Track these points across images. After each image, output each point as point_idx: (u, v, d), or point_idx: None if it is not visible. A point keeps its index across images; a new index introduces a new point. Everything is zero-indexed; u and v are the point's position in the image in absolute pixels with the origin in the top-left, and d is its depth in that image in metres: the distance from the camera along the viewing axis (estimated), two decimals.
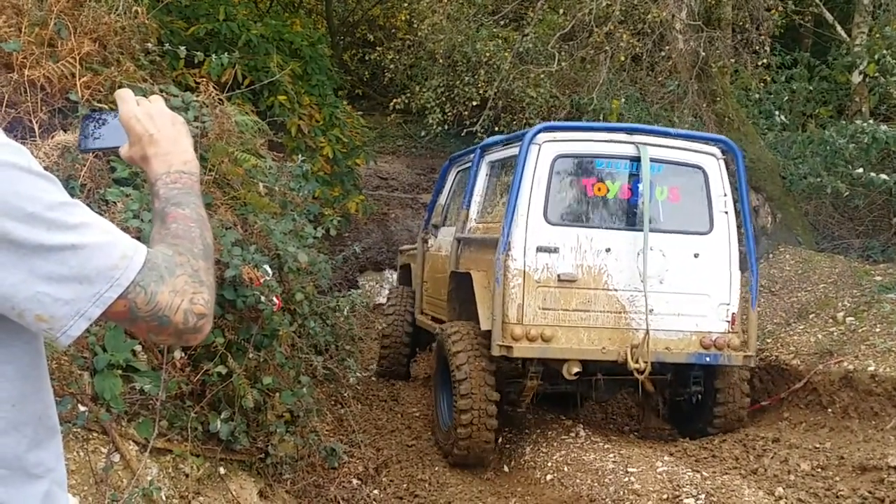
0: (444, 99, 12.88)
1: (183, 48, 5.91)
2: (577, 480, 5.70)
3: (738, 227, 6.31)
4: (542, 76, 11.02)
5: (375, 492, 5.93)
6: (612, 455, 5.89)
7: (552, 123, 6.55)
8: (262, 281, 4.36)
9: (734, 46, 9.90)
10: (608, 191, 6.15)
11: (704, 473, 5.40)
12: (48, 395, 1.33)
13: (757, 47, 9.29)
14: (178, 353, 4.17)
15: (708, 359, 6.05)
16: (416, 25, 14.59)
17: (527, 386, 6.24)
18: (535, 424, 6.81)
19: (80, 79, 4.55)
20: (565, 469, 5.89)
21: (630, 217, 6.15)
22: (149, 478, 3.91)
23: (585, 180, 6.14)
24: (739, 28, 10.52)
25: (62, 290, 1.16)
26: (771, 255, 8.71)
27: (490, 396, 5.96)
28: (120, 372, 3.95)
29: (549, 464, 6.06)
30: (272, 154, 5.97)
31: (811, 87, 10.49)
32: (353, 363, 7.53)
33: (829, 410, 6.28)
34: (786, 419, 6.54)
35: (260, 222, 4.97)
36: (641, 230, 5.97)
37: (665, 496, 5.09)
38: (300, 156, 8.20)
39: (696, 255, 6.12)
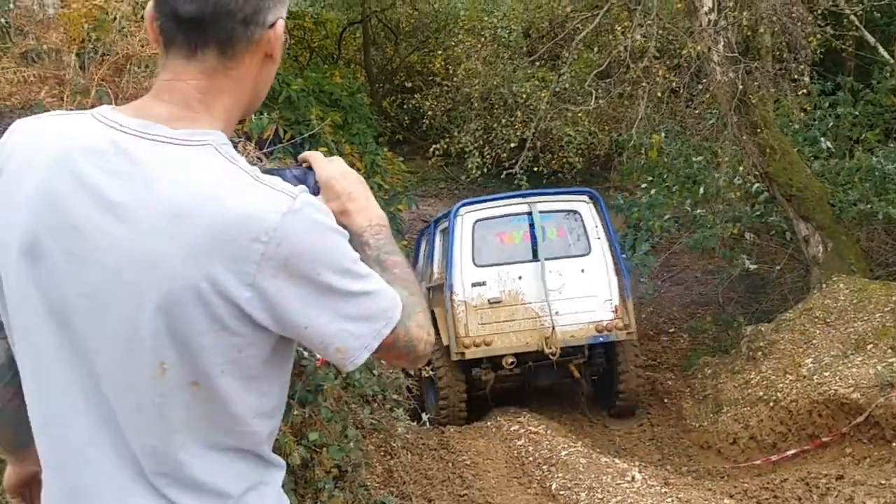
0: (481, 142, 12.88)
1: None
2: None
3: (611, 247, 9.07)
4: (579, 115, 11.00)
5: None
6: (669, 499, 5.75)
7: (469, 200, 9.65)
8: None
9: (774, 75, 9.78)
10: (514, 238, 9.00)
11: None
12: None
13: (796, 76, 9.16)
14: None
15: (601, 338, 8.79)
16: (451, 70, 14.69)
17: (483, 381, 8.91)
18: (589, 469, 6.66)
19: None
20: None
21: (532, 252, 8.89)
22: None
23: (498, 233, 9.01)
24: (778, 57, 10.41)
25: (356, 328, 1.39)
26: (824, 286, 8.50)
27: (458, 386, 8.74)
28: None
29: None
30: None
31: (856, 112, 10.29)
32: (401, 413, 7.47)
33: (894, 444, 6.05)
34: (848, 455, 6.32)
35: None
36: (540, 260, 8.77)
37: None
38: None
39: (582, 270, 8.89)
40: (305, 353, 4.50)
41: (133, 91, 4.97)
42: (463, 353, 8.56)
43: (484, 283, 8.71)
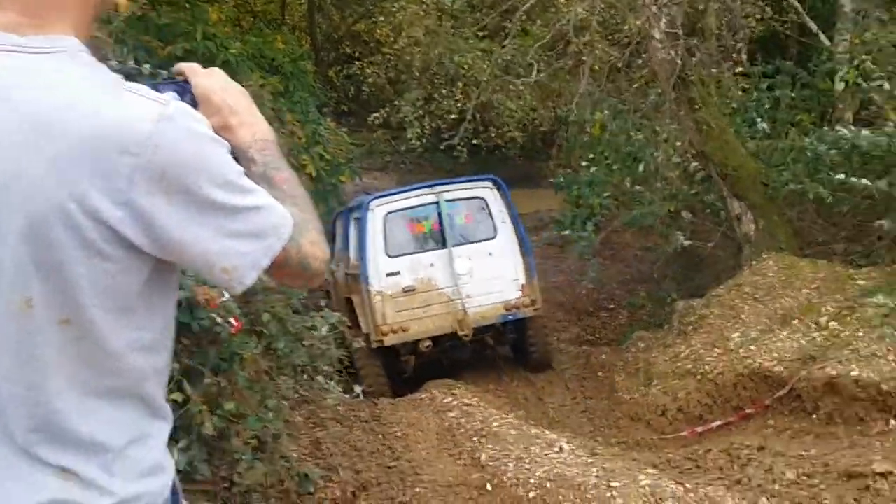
0: (422, 113, 12.75)
1: (147, 66, 5.81)
2: (560, 497, 5.56)
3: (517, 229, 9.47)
4: (522, 88, 10.95)
5: None
6: (595, 469, 5.77)
7: (381, 193, 9.93)
8: (218, 302, 4.24)
9: (714, 55, 9.82)
10: (424, 227, 9.34)
11: (688, 485, 5.27)
12: (171, 350, 1.51)
13: (734, 55, 9.22)
14: None
15: (511, 316, 9.26)
16: (394, 39, 14.51)
17: (403, 361, 9.41)
18: (518, 440, 6.68)
19: None
20: (548, 486, 5.75)
21: (442, 240, 9.23)
22: None
23: (408, 224, 9.33)
24: (719, 37, 10.47)
25: (244, 245, 1.34)
26: (754, 263, 8.61)
27: (379, 374, 9.08)
28: None
29: (532, 480, 5.91)
30: None
31: (793, 95, 10.41)
32: (333, 384, 7.42)
33: (814, 417, 6.16)
34: (771, 426, 6.42)
35: None
36: (448, 247, 9.16)
37: None
38: None
39: (490, 254, 9.28)
40: (219, 320, 4.41)
41: None
42: (382, 341, 8.95)
43: (398, 273, 9.11)
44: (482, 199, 9.47)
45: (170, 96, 1.41)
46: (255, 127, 1.59)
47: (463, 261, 9.13)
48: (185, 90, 1.60)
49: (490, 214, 9.39)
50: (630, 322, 12.34)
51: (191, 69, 1.62)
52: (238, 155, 1.56)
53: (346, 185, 15.69)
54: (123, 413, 1.37)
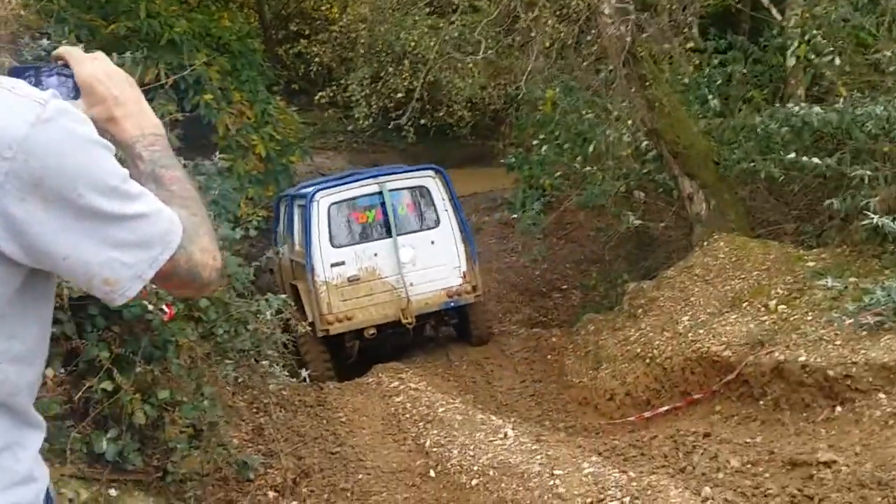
0: (368, 91, 12.57)
1: (80, 46, 5.57)
2: (503, 485, 5.47)
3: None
4: (470, 66, 10.80)
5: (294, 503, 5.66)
6: (539, 457, 5.68)
7: (324, 183, 9.96)
8: (149, 289, 4.04)
9: (664, 30, 9.69)
10: (368, 218, 9.49)
11: (631, 474, 5.18)
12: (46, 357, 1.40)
13: (685, 30, 9.11)
14: (50, 371, 3.84)
15: (453, 303, 9.52)
16: (334, 15, 14.27)
17: (348, 347, 9.72)
18: (464, 426, 6.56)
19: None
20: (491, 473, 5.66)
21: (386, 230, 9.38)
22: None
23: (352, 214, 9.48)
24: (669, 11, 10.33)
25: (128, 255, 1.25)
26: (706, 244, 8.55)
27: (324, 360, 9.21)
28: None
29: (476, 468, 5.82)
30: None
31: (745, 71, 10.33)
32: (279, 369, 7.24)
33: (761, 403, 6.11)
34: (718, 413, 6.37)
35: None
36: (393, 236, 9.30)
37: (589, 500, 4.88)
38: (218, 154, 7.86)
39: (432, 242, 9.46)
40: (150, 307, 4.22)
41: None
42: (327, 330, 9.14)
43: (343, 263, 9.25)
44: (425, 188, 9.66)
45: (49, 93, 1.27)
46: (142, 119, 1.50)
47: (406, 250, 9.32)
48: (67, 78, 1.49)
49: (432, 203, 9.58)
50: (583, 303, 12.29)
51: (71, 55, 1.50)
52: (123, 151, 1.49)
53: (299, 166, 15.45)
54: None
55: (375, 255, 9.32)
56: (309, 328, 8.23)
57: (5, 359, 1.25)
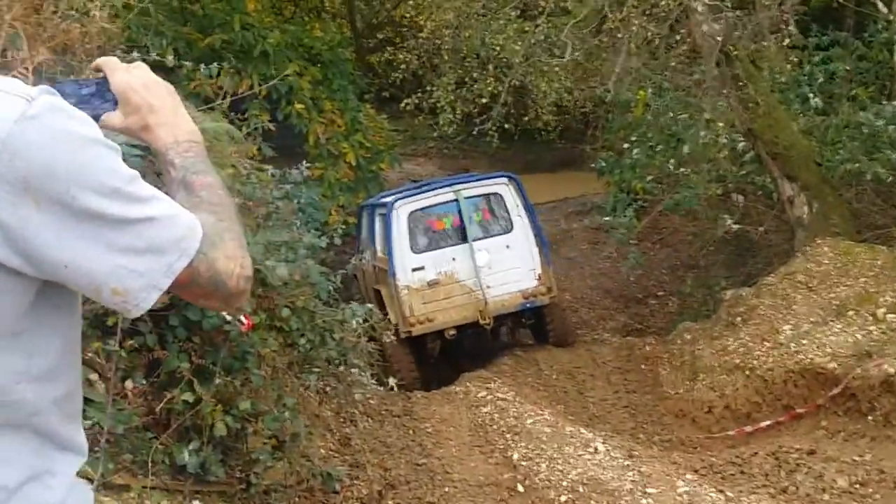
0: (453, 97, 12.53)
1: (171, 58, 5.63)
2: (593, 503, 5.28)
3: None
4: (556, 69, 10.62)
5: None
6: (630, 473, 5.48)
7: (404, 193, 10.36)
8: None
9: (762, 27, 9.29)
10: (445, 224, 9.88)
11: (729, 493, 4.95)
12: (80, 367, 1.33)
13: (782, 26, 8.73)
14: (129, 383, 3.84)
15: (528, 304, 9.79)
16: (422, 22, 14.26)
17: (430, 348, 10.08)
18: (552, 439, 6.38)
19: None
20: (581, 489, 5.48)
21: (462, 235, 9.78)
22: None
23: (430, 221, 9.88)
24: (766, 7, 9.93)
25: (138, 263, 1.17)
26: (808, 249, 8.15)
27: (410, 364, 9.52)
28: None
29: (565, 483, 5.64)
30: (248, 162, 5.61)
31: (848, 68, 9.87)
32: (365, 378, 7.19)
33: (870, 418, 5.75)
34: (823, 428, 6.02)
35: None
36: (469, 241, 9.70)
37: None
38: (305, 163, 7.87)
39: (507, 246, 9.82)
40: (228, 318, 4.19)
41: (52, 33, 4.60)
42: (410, 332, 9.54)
43: (423, 268, 9.68)
44: (498, 194, 10.05)
45: (40, 89, 1.18)
46: (177, 128, 1.44)
47: (482, 254, 9.72)
48: (103, 88, 1.46)
49: (506, 209, 9.95)
50: (681, 310, 11.94)
51: (108, 65, 1.46)
52: (157, 159, 1.46)
53: (389, 173, 15.51)
54: (18, 448, 1.19)
55: (453, 259, 9.75)
56: (392, 333, 8.96)
57: (24, 378, 1.18)
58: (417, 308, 9.58)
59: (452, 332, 9.67)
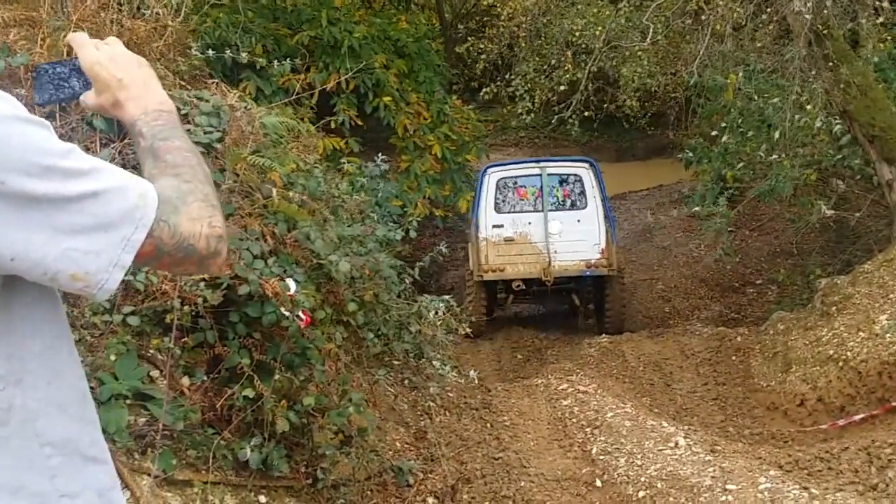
0: (531, 86, 12.48)
1: (244, 54, 5.72)
2: (671, 499, 5.12)
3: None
4: (638, 53, 10.38)
5: None
6: (711, 469, 5.27)
7: (495, 163, 12.56)
8: (280, 296, 4.00)
9: (854, 5, 8.79)
10: (528, 193, 11.43)
11: (814, 490, 4.70)
12: (81, 369, 1.27)
13: (876, 2, 8.23)
14: (186, 380, 3.88)
15: (588, 272, 11.06)
16: (499, 9, 14.13)
17: (500, 298, 12.11)
18: (632, 433, 6.21)
19: None
20: (659, 485, 5.31)
21: (540, 205, 11.29)
22: None
23: (516, 189, 11.47)
24: None
25: (90, 242, 1.10)
26: None
27: (482, 299, 11.50)
28: (129, 401, 3.70)
29: (643, 479, 5.48)
30: (309, 156, 5.61)
31: None
32: (447, 370, 7.16)
33: None
34: None
35: (298, 231, 4.62)
36: (544, 211, 11.20)
37: None
38: (378, 157, 7.85)
39: (578, 221, 11.15)
40: (287, 314, 4.19)
41: (117, 31, 4.69)
42: (482, 276, 11.27)
43: (502, 226, 11.27)
44: (578, 175, 11.42)
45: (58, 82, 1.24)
46: (146, 100, 1.41)
47: (555, 223, 11.14)
48: (75, 67, 1.44)
49: (583, 189, 11.27)
50: (779, 299, 11.56)
51: (76, 42, 1.43)
52: (129, 133, 1.42)
53: (479, 164, 15.45)
54: (21, 469, 1.14)
55: (529, 223, 11.25)
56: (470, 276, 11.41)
57: (7, 382, 1.13)
58: (492, 258, 11.19)
59: (518, 283, 11.28)
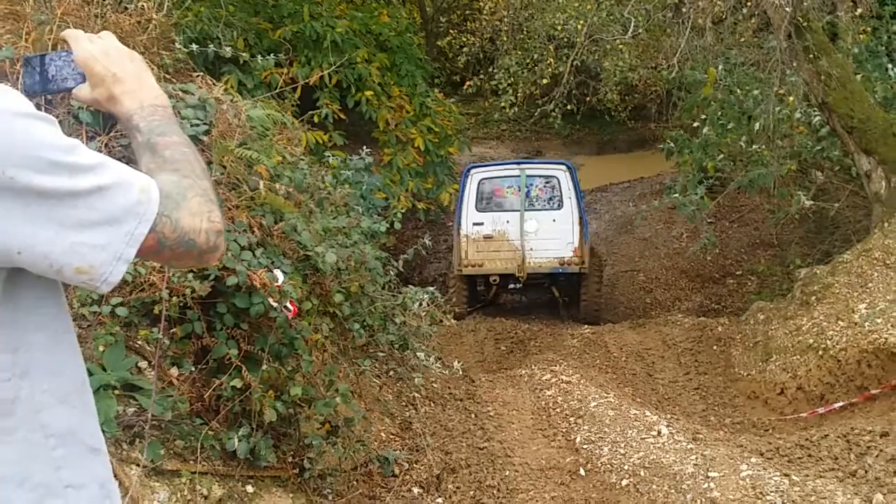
0: (514, 79, 12.57)
1: (227, 49, 5.72)
2: (654, 486, 5.17)
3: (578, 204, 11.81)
4: (620, 46, 10.44)
5: (439, 500, 5.54)
6: (693, 457, 5.34)
7: (477, 164, 13.23)
8: (268, 287, 4.03)
9: None
10: (507, 193, 12.11)
11: (795, 477, 4.77)
12: (81, 360, 1.29)
13: None
14: (174, 370, 3.90)
15: (561, 270, 11.77)
16: (481, 3, 14.17)
17: (480, 291, 12.81)
18: (616, 422, 6.27)
19: None
20: (642, 473, 5.37)
21: (518, 205, 11.90)
22: (156, 502, 3.66)
23: (495, 189, 12.17)
24: None
25: (96, 236, 1.13)
26: (886, 224, 7.83)
27: (463, 292, 12.32)
28: (117, 392, 3.72)
29: (626, 467, 5.54)
30: (295, 148, 5.62)
31: None
32: (432, 361, 7.19)
33: None
34: None
35: (285, 223, 4.64)
36: (521, 210, 11.81)
37: None
38: (363, 151, 7.89)
39: (553, 220, 11.79)
40: (274, 305, 4.21)
41: (102, 26, 4.69)
42: (461, 270, 12.05)
43: (482, 224, 11.95)
44: (556, 177, 12.08)
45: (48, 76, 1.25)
46: (142, 93, 1.43)
47: (532, 222, 11.82)
48: (68, 61, 1.45)
49: (560, 191, 11.94)
50: (759, 290, 11.66)
51: (71, 36, 1.45)
52: (125, 128, 1.44)
53: (462, 156, 15.49)
54: (26, 461, 1.16)
55: (507, 222, 11.89)
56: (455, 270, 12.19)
57: (13, 374, 1.14)
58: (472, 254, 11.95)
59: (495, 277, 12.03)
